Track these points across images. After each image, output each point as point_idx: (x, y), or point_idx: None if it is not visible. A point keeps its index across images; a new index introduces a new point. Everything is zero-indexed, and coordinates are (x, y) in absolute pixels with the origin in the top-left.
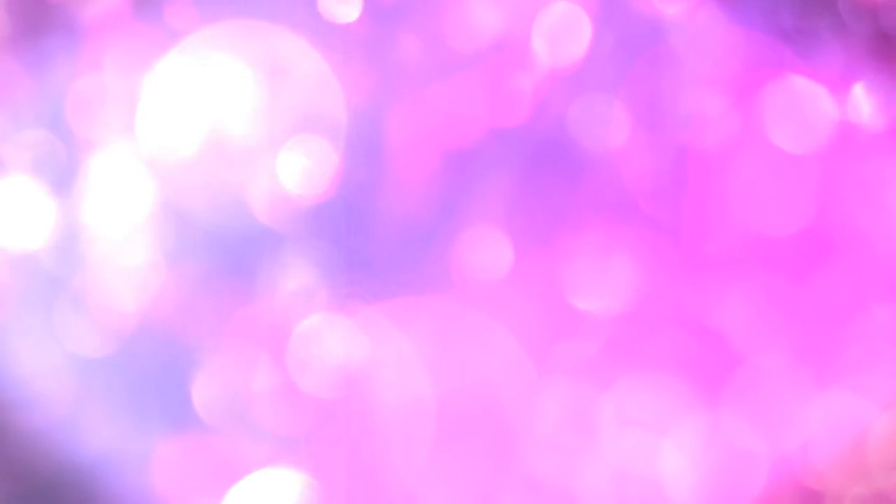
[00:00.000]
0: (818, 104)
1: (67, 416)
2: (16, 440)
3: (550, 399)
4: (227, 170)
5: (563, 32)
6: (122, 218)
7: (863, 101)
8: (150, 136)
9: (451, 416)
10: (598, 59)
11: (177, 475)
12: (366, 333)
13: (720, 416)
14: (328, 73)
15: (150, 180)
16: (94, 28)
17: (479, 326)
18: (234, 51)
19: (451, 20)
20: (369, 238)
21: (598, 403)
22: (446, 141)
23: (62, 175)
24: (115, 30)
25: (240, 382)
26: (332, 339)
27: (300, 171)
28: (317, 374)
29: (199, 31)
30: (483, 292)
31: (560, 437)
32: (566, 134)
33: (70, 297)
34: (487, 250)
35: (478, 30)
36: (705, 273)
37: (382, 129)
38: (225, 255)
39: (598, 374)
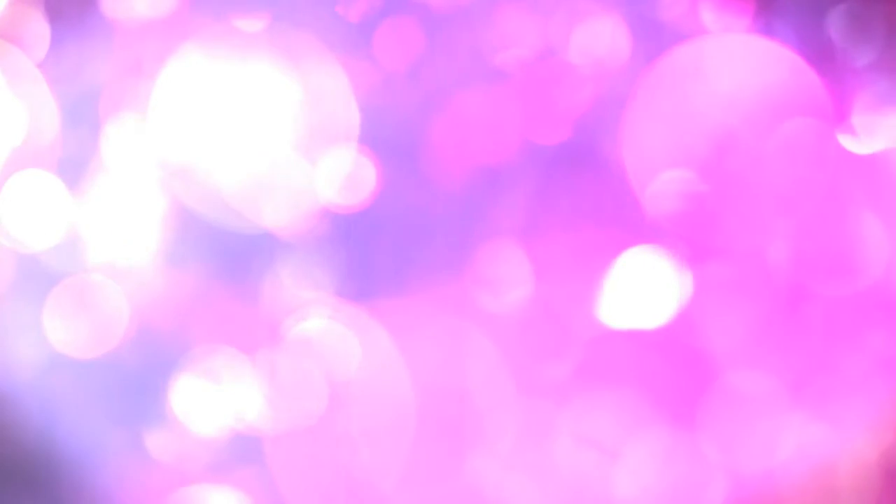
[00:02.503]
0: (839, 127)
1: (65, 416)
2: (12, 438)
3: (517, 415)
4: (235, 172)
5: (600, 47)
6: (130, 218)
7: (883, 129)
8: (161, 137)
9: (445, 424)
10: (635, 75)
11: (173, 474)
12: (364, 338)
13: (690, 434)
14: (344, 77)
15: (157, 181)
16: (109, 31)
17: (482, 336)
18: (248, 55)
19: (490, 32)
20: (382, 245)
21: (556, 421)
22: (476, 151)
23: (77, 174)
24: (129, 34)
25: (237, 382)
26: (329, 342)
27: (315, 176)
28: (312, 377)
29: (214, 32)
30: (494, 303)
31: (516, 453)
32: (598, 148)
33: (70, 295)
34: (505, 262)
35: (516, 42)
36: (702, 292)
37: (408, 137)
38: (227, 256)
39: (563, 392)
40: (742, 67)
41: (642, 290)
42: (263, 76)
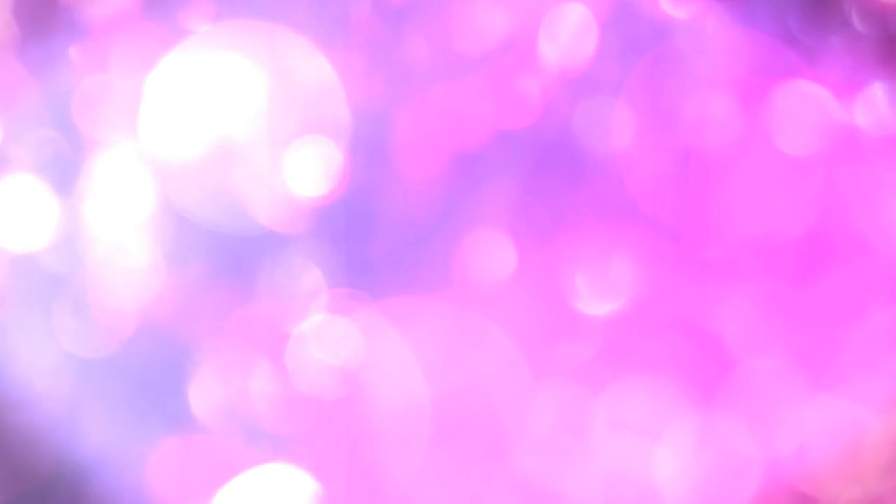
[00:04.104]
0: (823, 108)
1: (66, 416)
2: (14, 439)
3: (545, 401)
4: (229, 170)
5: (570, 35)
6: (123, 218)
7: (869, 106)
8: (152, 136)
9: (447, 418)
10: (606, 62)
11: (174, 475)
12: (365, 334)
13: (715, 420)
14: (331, 73)
15: (151, 180)
16: (98, 28)
17: (478, 328)
18: (237, 51)
19: (458, 22)
20: (372, 238)
21: (592, 406)
22: (452, 142)
23: (65, 174)
24: (119, 30)
25: (239, 382)
26: (331, 339)
27: (303, 171)
28: (315, 374)
29: (201, 31)
30: (484, 294)
31: (554, 439)
32: (572, 136)
33: (70, 296)
34: (490, 252)
35: (485, 32)
36: (706, 276)
37: (387, 131)
38: (225, 256)
39: (594, 377)
40: (711, 51)
41: (627, 273)
42: (242, 73)
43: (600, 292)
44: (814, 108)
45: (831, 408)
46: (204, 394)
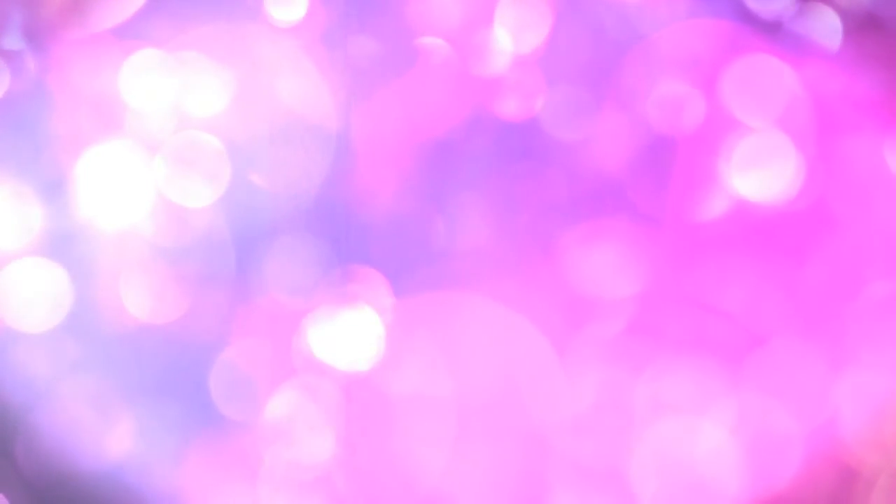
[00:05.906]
0: (784, 82)
1: (72, 418)
2: (25, 443)
3: (571, 385)
4: (225, 169)
5: (526, 20)
6: (120, 218)
7: (830, 77)
8: (144, 137)
9: (469, 408)
10: (563, 46)
11: (181, 474)
12: (369, 330)
13: (749, 398)
14: (314, 71)
15: (148, 180)
16: (88, 27)
17: (480, 320)
18: (223, 53)
19: (415, 12)
20: (369, 235)
21: (623, 389)
22: (423, 133)
23: (57, 176)
24: (106, 32)
25: (243, 381)
26: (334, 336)
27: (287, 169)
28: (322, 371)
29: (187, 33)
30: (481, 284)
31: (586, 422)
32: (539, 121)
33: (72, 297)
34: (485, 244)
35: (442, 20)
36: (694, 256)
37: (356, 127)
38: (224, 255)
39: (619, 361)
40: (671, 32)
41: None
42: (225, 73)
43: (597, 281)
44: (775, 82)
45: (861, 379)
46: (208, 393)
